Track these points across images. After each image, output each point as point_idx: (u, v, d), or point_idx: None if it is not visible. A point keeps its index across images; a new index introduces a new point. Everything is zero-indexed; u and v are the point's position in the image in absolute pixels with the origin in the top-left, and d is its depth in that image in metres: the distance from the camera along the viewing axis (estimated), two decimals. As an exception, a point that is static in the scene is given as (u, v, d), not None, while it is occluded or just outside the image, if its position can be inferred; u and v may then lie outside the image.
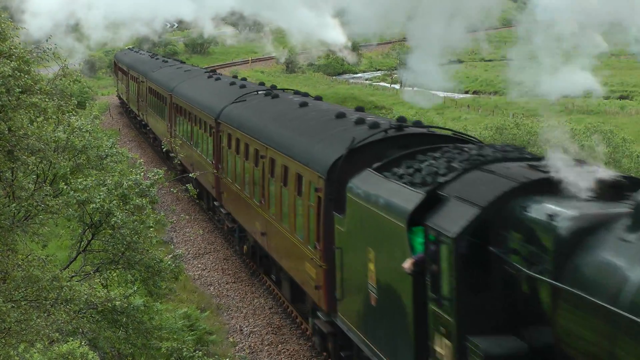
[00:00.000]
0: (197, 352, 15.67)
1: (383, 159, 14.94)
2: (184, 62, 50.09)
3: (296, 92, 26.96)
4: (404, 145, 15.42)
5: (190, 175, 20.10)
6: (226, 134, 25.61)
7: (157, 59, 53.18)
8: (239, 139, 23.81)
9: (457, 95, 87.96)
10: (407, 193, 12.82)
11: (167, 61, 49.35)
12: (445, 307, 11.14)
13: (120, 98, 65.41)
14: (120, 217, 14.65)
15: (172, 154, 36.44)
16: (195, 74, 38.01)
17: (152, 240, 15.50)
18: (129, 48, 73.98)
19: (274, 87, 29.15)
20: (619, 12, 9.88)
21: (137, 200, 15.24)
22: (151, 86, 43.51)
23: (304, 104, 22.20)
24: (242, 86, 29.65)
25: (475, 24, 13.79)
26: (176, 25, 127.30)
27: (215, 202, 28.27)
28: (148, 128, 46.72)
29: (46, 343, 10.97)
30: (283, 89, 28.87)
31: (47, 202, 12.22)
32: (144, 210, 15.35)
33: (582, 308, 9.21)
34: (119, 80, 65.37)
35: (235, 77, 36.51)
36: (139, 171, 16.40)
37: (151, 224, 15.34)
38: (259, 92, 26.92)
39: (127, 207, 15.14)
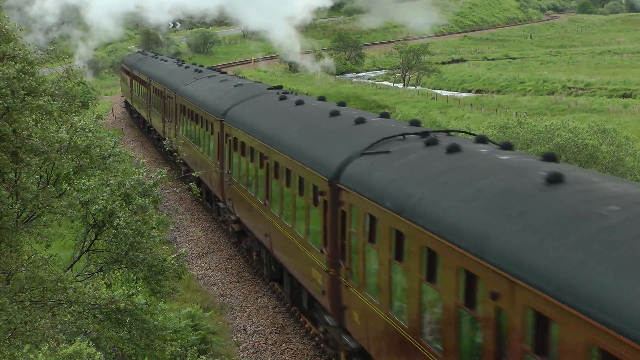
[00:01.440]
0: (201, 356, 15.67)
1: None
2: (225, 72, 38.90)
3: (481, 139, 14.69)
4: None
5: (193, 174, 20.09)
6: (360, 212, 14.39)
7: (187, 67, 41.58)
8: (403, 235, 12.66)
9: (460, 94, 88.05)
10: None
11: (201, 70, 37.91)
12: None
13: (136, 112, 53.02)
14: (123, 218, 14.67)
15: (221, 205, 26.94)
16: (255, 92, 26.57)
17: (155, 240, 15.55)
18: (139, 51, 67.28)
19: (417, 122, 17.21)
20: None
21: (139, 201, 15.29)
22: (185, 104, 33.14)
23: (556, 179, 10.71)
24: (360, 120, 17.45)
25: None
26: (179, 24, 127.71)
27: (326, 318, 16.89)
28: (179, 160, 33.15)
29: (52, 344, 11.01)
30: (447, 131, 16.42)
31: (52, 203, 12.27)
32: (147, 211, 15.38)
33: None
34: (132, 90, 53.36)
35: (322, 98, 24.46)
36: (142, 171, 16.45)
37: (154, 225, 15.38)
38: (408, 137, 15.42)
39: (130, 207, 15.19)
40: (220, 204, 26.90)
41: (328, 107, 20.94)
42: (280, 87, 28.04)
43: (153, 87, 43.28)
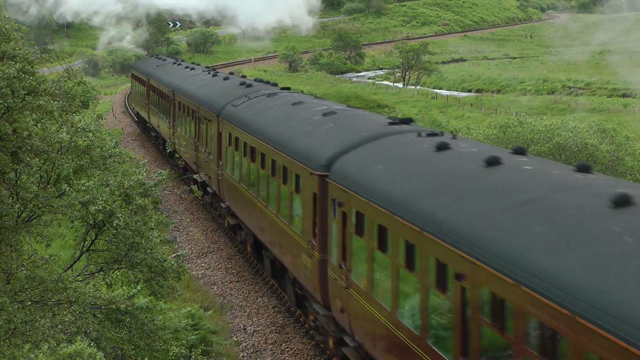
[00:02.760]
0: (205, 357, 15.67)
1: None
2: (288, 88, 28.28)
3: None
4: None
5: (194, 176, 20.02)
6: None
7: (226, 79, 32.21)
8: None
9: (460, 94, 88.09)
10: None
11: (250, 84, 28.42)
12: None
13: (154, 130, 44.68)
14: (122, 218, 14.66)
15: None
16: (373, 130, 16.68)
17: (155, 241, 15.54)
18: (154, 56, 59.31)
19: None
20: None
21: (139, 201, 15.29)
22: (237, 135, 23.64)
23: None
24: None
25: None
26: (179, 24, 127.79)
27: None
28: (225, 206, 26.21)
29: (52, 343, 11.03)
30: None
31: (52, 203, 12.28)
32: (147, 211, 15.37)
33: None
34: (150, 103, 44.85)
35: (520, 150, 13.39)
36: (142, 171, 16.45)
37: (153, 226, 15.37)
38: None
39: (130, 207, 15.18)
40: (318, 308, 17.15)
41: (570, 176, 11.48)
42: (410, 120, 17.49)
43: (179, 103, 34.54)
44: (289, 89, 28.11)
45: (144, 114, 47.94)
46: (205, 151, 28.43)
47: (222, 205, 26.13)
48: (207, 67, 42.01)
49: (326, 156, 16.21)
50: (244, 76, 34.50)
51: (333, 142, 16.72)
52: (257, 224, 21.96)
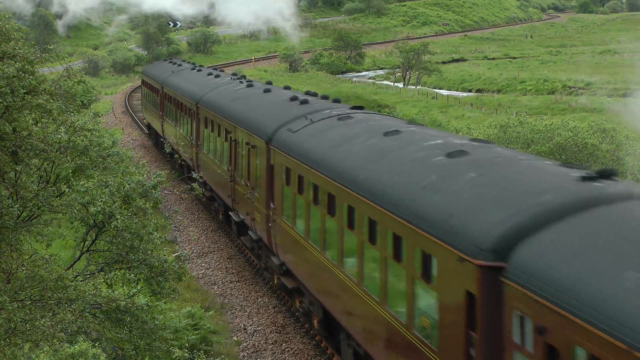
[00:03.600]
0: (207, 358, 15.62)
1: None
2: (361, 107, 21.34)
3: None
4: None
5: (194, 175, 20.00)
6: None
7: (267, 91, 25.85)
8: None
9: (460, 94, 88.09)
10: None
11: (306, 101, 21.89)
12: None
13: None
14: (121, 220, 14.64)
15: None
16: (555, 186, 10.70)
17: (155, 242, 15.52)
18: (168, 61, 51.38)
19: None
20: None
21: (139, 202, 15.27)
22: (296, 170, 18.08)
23: None
24: None
25: None
26: (179, 24, 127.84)
27: None
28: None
29: (54, 343, 11.02)
30: None
31: (51, 202, 12.28)
32: (146, 214, 15.35)
33: None
34: (164, 115, 39.12)
35: None
36: (142, 171, 16.43)
37: (151, 230, 15.35)
38: None
39: (130, 208, 15.17)
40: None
41: None
42: (611, 174, 11.07)
43: (205, 118, 28.78)
44: (362, 108, 21.24)
45: (156, 126, 42.12)
46: (246, 184, 22.61)
47: (275, 260, 20.19)
48: (234, 75, 35.86)
49: (493, 234, 9.98)
50: (286, 87, 28.20)
51: (494, 208, 10.55)
52: (336, 300, 15.89)
